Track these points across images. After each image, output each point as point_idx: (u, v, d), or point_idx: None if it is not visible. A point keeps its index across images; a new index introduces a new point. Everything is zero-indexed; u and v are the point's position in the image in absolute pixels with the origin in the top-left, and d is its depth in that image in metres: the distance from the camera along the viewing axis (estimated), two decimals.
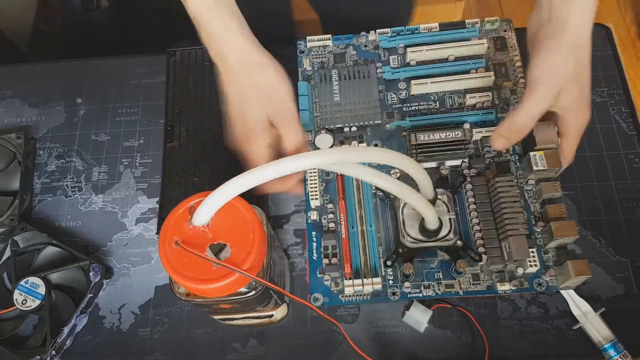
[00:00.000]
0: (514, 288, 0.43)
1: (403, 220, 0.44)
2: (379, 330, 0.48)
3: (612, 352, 0.44)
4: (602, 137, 0.53)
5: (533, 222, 0.45)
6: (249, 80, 0.41)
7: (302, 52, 0.53)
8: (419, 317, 0.47)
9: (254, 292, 0.37)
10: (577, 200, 0.50)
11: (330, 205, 0.46)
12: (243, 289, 0.36)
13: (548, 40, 0.41)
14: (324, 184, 0.47)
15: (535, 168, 0.44)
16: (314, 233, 0.46)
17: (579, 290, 0.47)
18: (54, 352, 0.48)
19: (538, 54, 0.42)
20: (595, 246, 0.49)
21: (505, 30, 0.52)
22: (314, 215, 0.46)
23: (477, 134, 0.47)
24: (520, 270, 0.43)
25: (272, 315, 0.46)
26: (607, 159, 0.52)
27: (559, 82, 0.41)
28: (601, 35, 0.57)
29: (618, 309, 0.46)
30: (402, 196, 0.39)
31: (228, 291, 0.35)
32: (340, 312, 0.49)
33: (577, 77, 0.41)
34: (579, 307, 0.46)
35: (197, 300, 0.37)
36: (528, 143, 0.46)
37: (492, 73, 0.49)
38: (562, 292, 0.46)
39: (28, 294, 0.48)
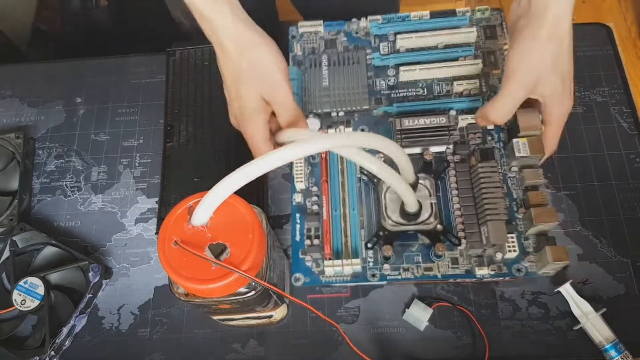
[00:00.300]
0: (492, 272, 0.43)
1: (385, 204, 0.45)
2: (379, 331, 0.48)
3: (613, 353, 0.44)
4: (603, 137, 0.53)
5: (515, 209, 0.45)
6: (243, 60, 0.42)
7: (294, 37, 0.54)
8: (419, 316, 0.46)
9: (253, 292, 0.37)
10: (577, 200, 0.50)
11: (314, 188, 0.47)
12: (242, 289, 0.36)
13: (526, 31, 0.41)
14: (309, 167, 0.48)
15: (518, 155, 0.44)
16: (297, 215, 0.47)
17: (579, 291, 0.47)
18: (53, 353, 0.47)
19: (516, 44, 0.42)
20: (596, 246, 0.49)
21: (495, 19, 0.52)
22: (298, 198, 0.47)
23: (463, 121, 0.48)
24: (499, 255, 0.43)
25: (271, 316, 0.45)
26: (608, 158, 0.52)
27: (536, 73, 0.41)
28: (602, 35, 0.57)
29: (619, 309, 0.46)
30: (382, 175, 0.39)
31: (227, 291, 0.34)
32: (340, 312, 0.48)
33: (556, 67, 0.42)
34: (580, 307, 0.46)
35: (196, 300, 0.37)
36: (512, 130, 0.46)
37: (480, 61, 0.49)
38: (563, 292, 0.46)
39: (27, 294, 0.48)
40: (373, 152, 0.48)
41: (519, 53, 0.41)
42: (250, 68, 0.42)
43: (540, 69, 0.41)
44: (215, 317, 0.46)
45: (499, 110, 0.43)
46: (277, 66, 0.42)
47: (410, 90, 0.51)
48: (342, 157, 0.48)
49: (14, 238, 0.50)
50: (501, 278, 0.44)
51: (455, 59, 0.50)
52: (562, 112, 0.43)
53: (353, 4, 0.60)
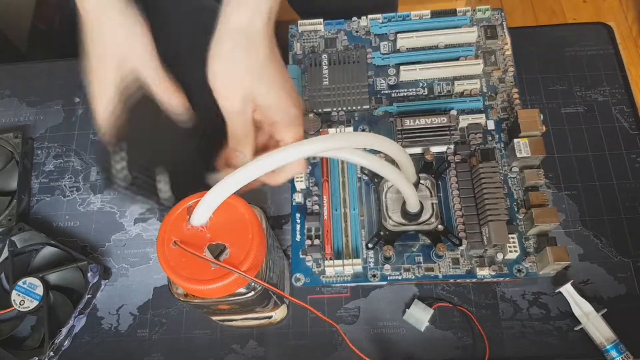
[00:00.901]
0: (493, 273, 0.43)
1: (386, 204, 0.45)
2: (379, 331, 0.47)
3: (614, 353, 0.44)
4: (604, 137, 0.52)
5: (515, 209, 0.45)
6: (107, 25, 0.40)
7: (294, 36, 0.53)
8: (419, 316, 0.46)
9: (252, 292, 0.37)
10: (578, 200, 0.50)
11: (315, 188, 0.48)
12: (242, 290, 0.36)
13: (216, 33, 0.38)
14: (310, 167, 0.48)
15: (519, 155, 0.44)
16: (297, 215, 0.47)
17: (580, 291, 0.46)
18: (52, 354, 0.47)
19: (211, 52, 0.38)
20: (597, 246, 0.49)
21: (496, 19, 0.52)
22: (298, 198, 0.47)
23: (463, 121, 0.48)
24: (500, 256, 0.43)
25: (271, 316, 0.45)
26: (609, 158, 0.52)
27: (233, 82, 0.38)
28: (603, 34, 0.57)
29: (620, 310, 0.46)
30: (385, 174, 0.39)
31: (226, 292, 0.34)
32: (340, 312, 0.48)
33: (260, 73, 0.38)
34: (581, 307, 0.46)
35: (196, 301, 0.37)
36: (512, 130, 0.46)
37: (481, 61, 0.49)
38: (564, 292, 0.46)
39: (26, 295, 0.48)
40: (373, 152, 0.48)
41: (210, 63, 0.38)
42: (113, 37, 0.39)
43: (237, 77, 0.38)
44: (214, 318, 0.46)
45: (232, 142, 0.40)
46: (143, 42, 0.40)
47: (410, 90, 0.50)
48: None
49: (12, 238, 0.50)
50: (502, 278, 0.44)
51: (456, 59, 0.50)
52: (288, 134, 0.40)
53: (350, 2, 0.60)
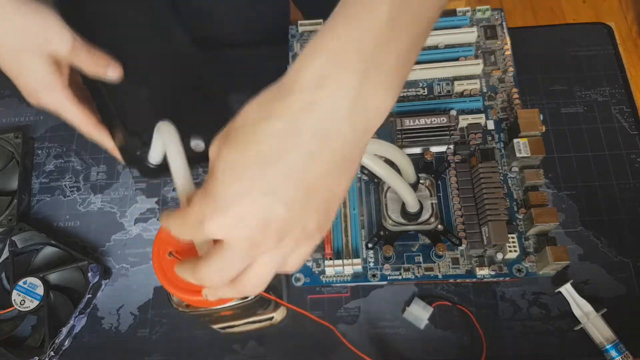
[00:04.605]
0: (492, 273, 0.43)
1: (386, 204, 0.45)
2: (379, 331, 0.47)
3: (613, 353, 0.44)
4: (603, 137, 0.52)
5: (515, 209, 0.45)
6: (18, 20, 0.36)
7: (294, 36, 0.54)
8: (419, 314, 0.46)
9: (252, 296, 0.37)
10: (578, 200, 0.50)
11: None
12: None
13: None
14: None
15: (518, 155, 0.45)
16: None
17: (580, 291, 0.46)
18: (52, 353, 0.47)
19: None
20: (596, 246, 0.49)
21: (496, 19, 0.52)
22: None
23: (463, 121, 0.48)
24: (499, 256, 0.43)
25: (272, 318, 0.45)
26: (609, 158, 0.52)
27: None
28: (603, 34, 0.57)
29: (620, 310, 0.46)
30: (382, 175, 0.39)
31: (225, 300, 0.34)
32: (340, 312, 0.48)
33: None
34: (581, 307, 0.46)
35: (199, 310, 0.37)
36: (512, 130, 0.46)
37: (481, 61, 0.49)
38: (564, 292, 0.46)
39: (26, 295, 0.48)
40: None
41: None
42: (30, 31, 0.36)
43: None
44: (216, 327, 0.45)
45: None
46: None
47: (410, 90, 0.50)
48: None
49: (13, 238, 0.50)
50: (502, 278, 0.44)
51: (456, 59, 0.50)
52: None
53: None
